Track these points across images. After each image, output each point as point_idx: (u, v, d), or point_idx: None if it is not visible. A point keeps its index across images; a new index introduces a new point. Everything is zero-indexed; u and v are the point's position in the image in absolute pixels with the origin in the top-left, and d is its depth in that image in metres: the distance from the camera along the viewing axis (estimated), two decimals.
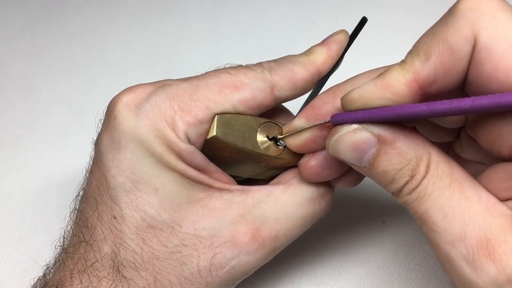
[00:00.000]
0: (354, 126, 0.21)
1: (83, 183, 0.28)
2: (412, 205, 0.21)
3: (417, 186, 0.20)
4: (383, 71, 0.21)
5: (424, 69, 0.19)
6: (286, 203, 0.27)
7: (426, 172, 0.20)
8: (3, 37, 0.53)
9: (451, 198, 0.20)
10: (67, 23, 0.54)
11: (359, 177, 0.28)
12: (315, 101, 0.26)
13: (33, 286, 0.27)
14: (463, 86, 0.20)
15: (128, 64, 0.50)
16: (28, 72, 0.50)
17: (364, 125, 0.21)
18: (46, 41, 0.52)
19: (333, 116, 0.22)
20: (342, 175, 0.27)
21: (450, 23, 0.19)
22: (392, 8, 0.53)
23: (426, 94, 0.20)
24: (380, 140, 0.21)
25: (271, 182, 0.28)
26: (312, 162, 0.26)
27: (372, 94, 0.20)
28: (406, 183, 0.21)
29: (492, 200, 0.20)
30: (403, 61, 0.20)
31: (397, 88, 0.20)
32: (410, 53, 0.20)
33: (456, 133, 0.25)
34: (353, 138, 0.21)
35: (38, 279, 0.27)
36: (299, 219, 0.27)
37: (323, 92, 0.26)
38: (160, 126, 0.25)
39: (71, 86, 0.48)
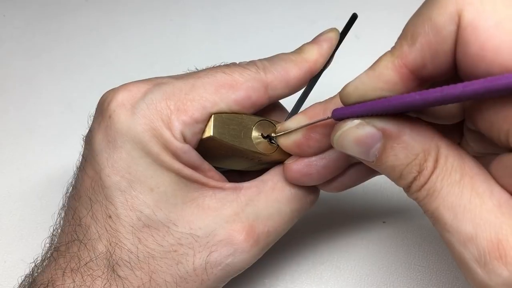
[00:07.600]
0: (357, 121, 0.20)
1: (72, 180, 0.28)
2: (423, 202, 0.20)
3: (425, 183, 0.19)
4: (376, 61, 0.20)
5: (412, 52, 0.18)
6: (276, 199, 0.27)
7: (435, 167, 0.19)
8: (3, 37, 0.53)
9: (461, 195, 0.18)
10: (67, 22, 0.54)
11: (343, 185, 0.28)
12: (309, 110, 0.26)
13: (21, 284, 0.27)
14: (456, 71, 0.19)
15: (128, 64, 0.50)
16: (28, 72, 0.50)
17: (367, 119, 0.20)
18: (46, 41, 0.52)
19: (334, 111, 0.22)
20: (326, 182, 0.28)
21: (435, 2, 0.18)
22: (392, 8, 0.53)
23: (421, 79, 0.19)
24: (385, 134, 0.20)
25: (259, 178, 0.29)
26: (294, 166, 0.27)
27: (366, 85, 0.20)
28: (414, 179, 0.20)
29: (505, 196, 0.19)
30: (393, 47, 0.19)
31: (387, 75, 0.19)
32: (399, 37, 0.19)
33: (460, 131, 0.24)
34: (356, 134, 0.20)
35: (26, 276, 0.27)
36: (289, 214, 0.28)
37: (318, 102, 0.26)
38: (156, 126, 0.24)
39: (71, 86, 0.48)
